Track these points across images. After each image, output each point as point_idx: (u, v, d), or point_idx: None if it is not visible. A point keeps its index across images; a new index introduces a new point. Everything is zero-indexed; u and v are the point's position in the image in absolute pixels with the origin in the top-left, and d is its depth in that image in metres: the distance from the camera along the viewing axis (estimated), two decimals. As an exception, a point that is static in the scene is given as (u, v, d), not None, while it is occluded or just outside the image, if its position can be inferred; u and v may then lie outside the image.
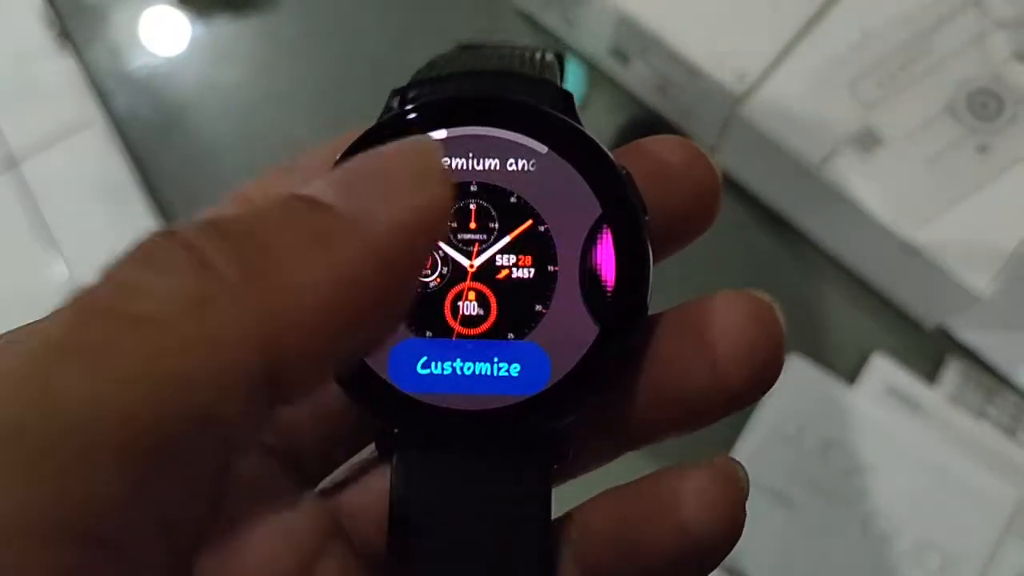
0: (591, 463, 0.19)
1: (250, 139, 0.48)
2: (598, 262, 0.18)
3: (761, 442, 0.41)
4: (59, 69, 0.51)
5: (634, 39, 0.42)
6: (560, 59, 0.22)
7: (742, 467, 0.17)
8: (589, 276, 0.18)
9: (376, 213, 0.12)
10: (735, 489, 0.17)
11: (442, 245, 0.18)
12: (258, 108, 0.48)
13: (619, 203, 0.18)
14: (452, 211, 0.17)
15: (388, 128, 0.19)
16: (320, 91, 0.48)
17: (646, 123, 0.46)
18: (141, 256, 0.11)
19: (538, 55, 0.21)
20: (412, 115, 0.19)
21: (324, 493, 0.19)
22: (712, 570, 0.17)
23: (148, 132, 0.48)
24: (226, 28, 0.49)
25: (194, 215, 0.19)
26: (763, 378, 0.17)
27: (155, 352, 0.10)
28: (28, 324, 0.12)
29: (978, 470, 0.41)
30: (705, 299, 0.17)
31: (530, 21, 0.48)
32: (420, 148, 0.13)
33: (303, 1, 0.50)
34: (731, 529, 0.17)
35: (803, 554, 0.39)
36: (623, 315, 0.17)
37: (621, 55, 0.44)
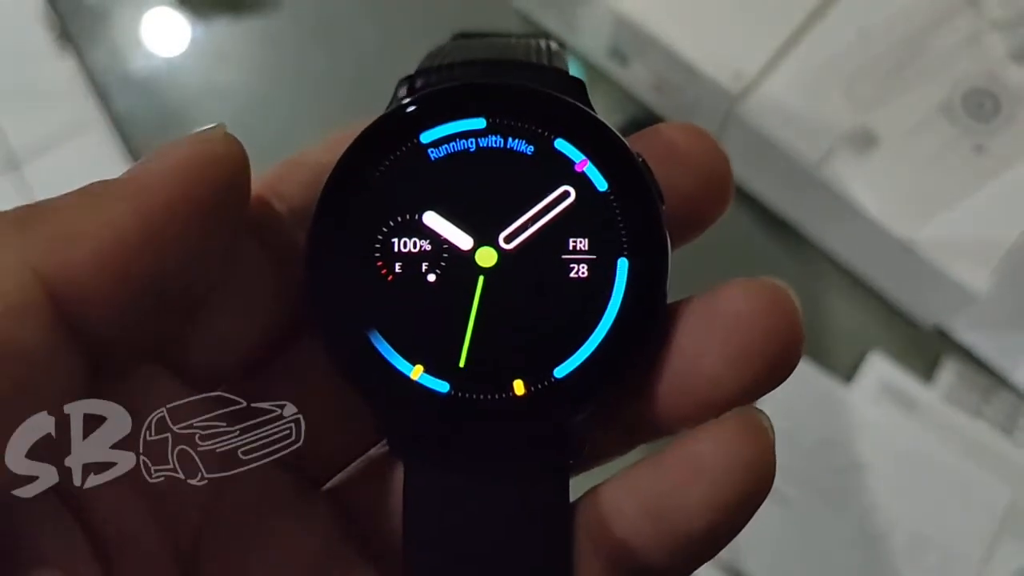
0: (605, 456, 0.18)
1: (249, 139, 0.48)
2: (615, 252, 0.17)
3: (758, 441, 0.41)
4: (60, 70, 0.52)
5: (632, 40, 0.43)
6: (563, 49, 0.21)
7: (764, 413, 0.16)
8: (605, 266, 0.17)
9: (144, 175, 0.15)
10: (763, 437, 0.16)
11: (445, 232, 0.17)
12: (257, 108, 0.49)
13: (636, 191, 0.17)
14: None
15: (396, 116, 0.18)
16: (319, 92, 0.49)
17: (645, 123, 0.46)
18: None
19: (543, 44, 0.20)
20: (420, 104, 0.18)
21: (332, 492, 0.19)
22: (745, 525, 0.16)
23: (148, 133, 0.48)
24: (226, 29, 0.50)
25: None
26: (781, 365, 0.16)
27: None
28: None
29: (974, 468, 0.41)
30: (721, 288, 0.17)
31: (529, 22, 0.48)
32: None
33: (302, 3, 0.50)
34: (764, 479, 0.16)
35: (800, 552, 0.40)
36: (640, 305, 0.17)
37: (620, 56, 0.45)
